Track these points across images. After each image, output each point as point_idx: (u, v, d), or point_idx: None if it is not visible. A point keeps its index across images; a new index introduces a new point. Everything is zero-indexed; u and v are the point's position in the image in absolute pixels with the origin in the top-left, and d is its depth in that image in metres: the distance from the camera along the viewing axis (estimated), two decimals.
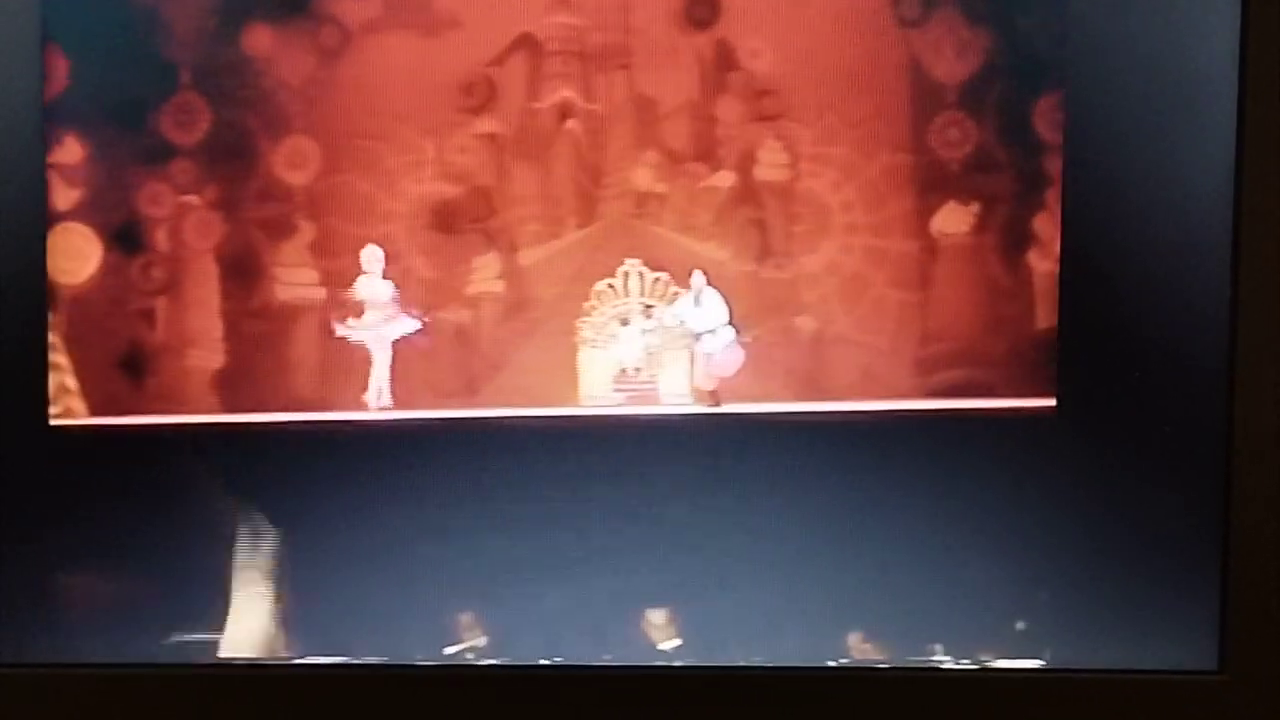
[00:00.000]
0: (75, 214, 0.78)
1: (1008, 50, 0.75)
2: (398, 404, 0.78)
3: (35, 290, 0.78)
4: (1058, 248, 0.75)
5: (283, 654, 0.79)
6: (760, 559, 0.77)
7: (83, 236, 0.78)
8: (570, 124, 0.77)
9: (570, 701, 0.77)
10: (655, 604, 0.78)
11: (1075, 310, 0.75)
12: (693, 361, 0.78)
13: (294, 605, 0.79)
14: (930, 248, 0.76)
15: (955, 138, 0.75)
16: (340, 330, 0.78)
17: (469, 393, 0.78)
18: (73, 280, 0.78)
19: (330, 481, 0.78)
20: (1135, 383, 0.75)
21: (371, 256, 0.78)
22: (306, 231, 0.78)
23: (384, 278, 0.78)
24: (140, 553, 0.79)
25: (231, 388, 0.78)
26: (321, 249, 0.78)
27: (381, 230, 0.78)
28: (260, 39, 0.77)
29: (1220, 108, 0.74)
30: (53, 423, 0.78)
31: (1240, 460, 0.74)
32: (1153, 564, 0.76)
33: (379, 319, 0.78)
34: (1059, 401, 0.76)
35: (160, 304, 0.78)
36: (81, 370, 0.79)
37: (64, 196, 0.78)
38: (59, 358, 0.78)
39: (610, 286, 0.78)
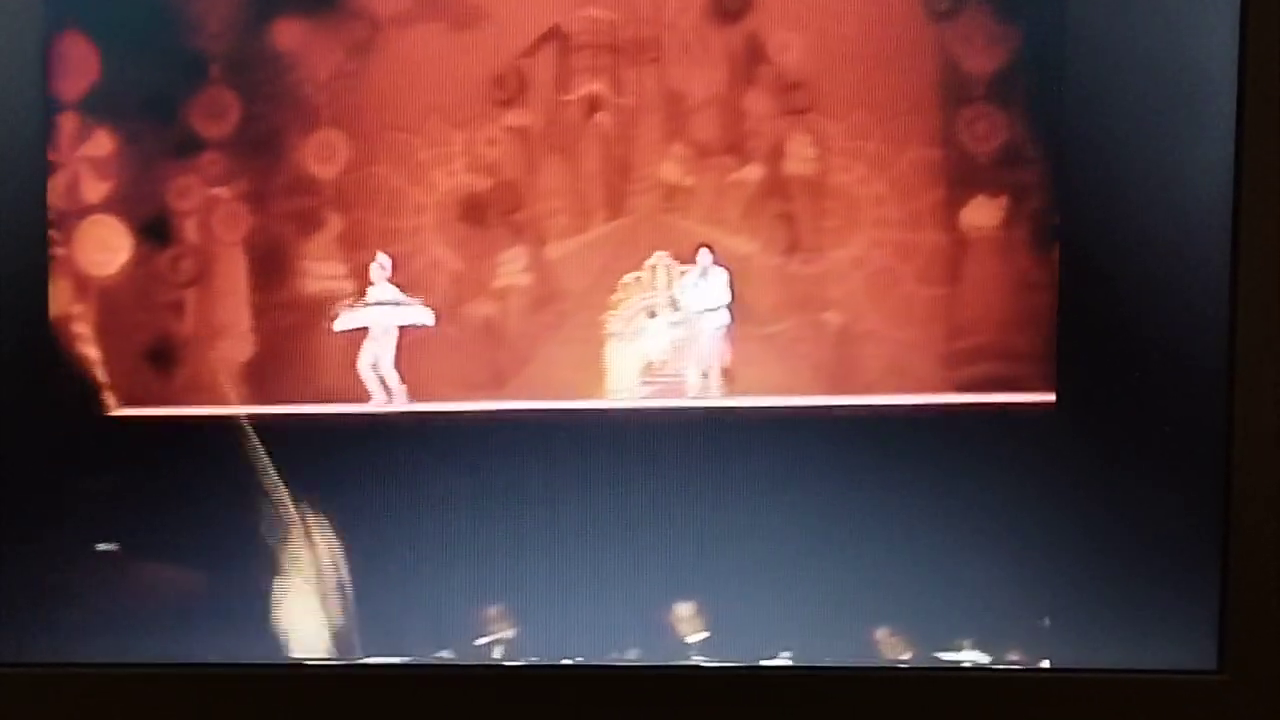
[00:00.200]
0: (105, 206, 0.78)
1: (1037, 43, 0.74)
2: (424, 396, 0.78)
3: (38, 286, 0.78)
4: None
5: (312, 648, 0.79)
6: (787, 552, 0.77)
7: (112, 229, 0.79)
8: (599, 117, 0.77)
9: (595, 700, 0.77)
10: (683, 597, 0.78)
11: (1075, 306, 0.75)
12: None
13: (321, 599, 0.79)
14: (959, 241, 0.76)
15: (984, 131, 0.75)
16: (338, 324, 0.78)
17: (496, 385, 0.78)
18: (103, 272, 0.79)
19: (356, 474, 0.78)
20: (1135, 380, 0.75)
21: (379, 266, 0.78)
22: (335, 224, 0.78)
23: (391, 281, 0.78)
24: (164, 548, 0.79)
25: (259, 379, 0.79)
26: (350, 242, 0.78)
27: (410, 223, 0.78)
28: (290, 32, 0.77)
29: (1218, 105, 0.74)
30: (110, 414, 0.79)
31: (1240, 459, 0.74)
32: (1152, 564, 0.76)
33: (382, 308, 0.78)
34: (1058, 398, 0.76)
35: (189, 296, 0.79)
36: (110, 362, 0.79)
37: (94, 189, 0.78)
38: (89, 349, 0.79)
39: (638, 279, 0.78)
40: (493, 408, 0.78)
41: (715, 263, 0.77)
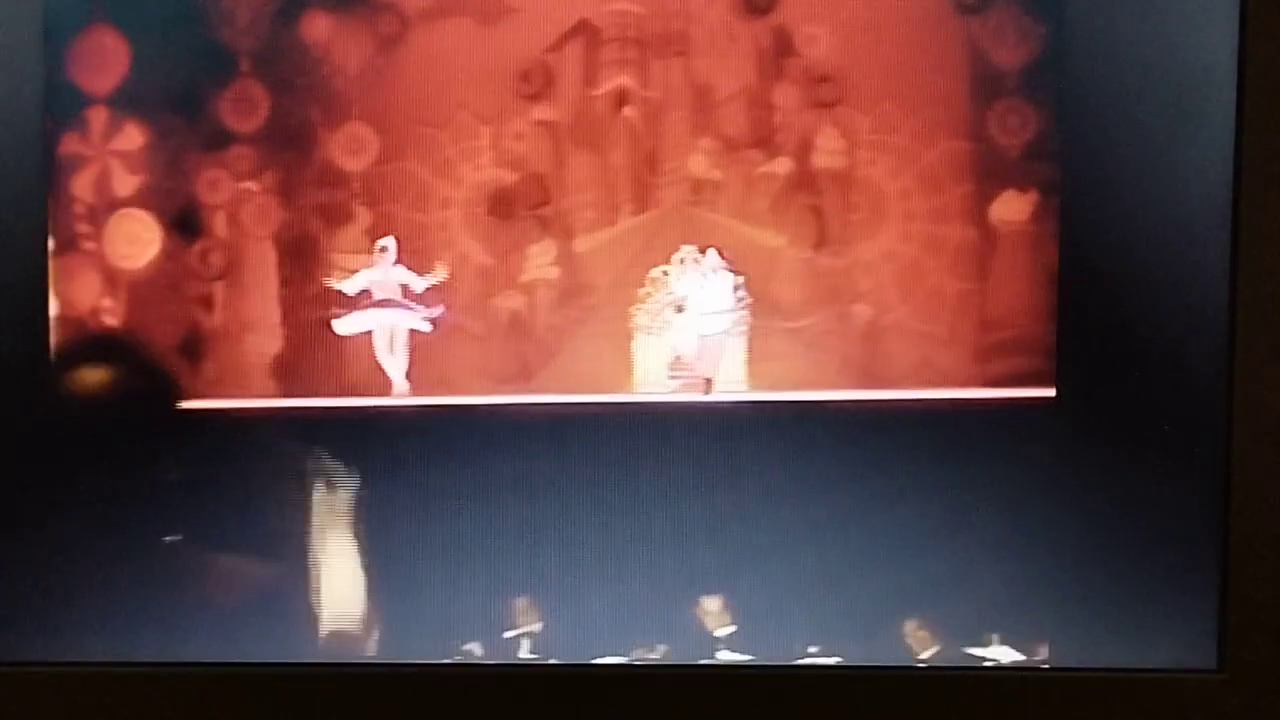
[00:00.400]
0: (135, 200, 0.79)
1: (1070, 35, 0.74)
2: (452, 390, 0.78)
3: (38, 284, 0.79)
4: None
5: (336, 641, 0.79)
6: (813, 546, 0.77)
7: (142, 222, 0.79)
8: (627, 111, 0.77)
9: (622, 697, 0.77)
10: (709, 591, 0.78)
11: (1075, 303, 0.75)
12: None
13: (350, 591, 0.79)
14: (989, 236, 0.76)
15: (1015, 124, 0.75)
16: (339, 325, 0.78)
17: (523, 379, 0.78)
18: (132, 265, 0.79)
19: (383, 467, 0.79)
20: (1135, 377, 0.75)
21: (382, 249, 0.78)
22: (363, 218, 0.78)
23: (396, 264, 0.78)
24: (197, 540, 0.79)
25: (288, 373, 0.79)
26: (378, 235, 0.78)
27: (438, 216, 0.78)
28: (319, 26, 0.77)
29: (1217, 102, 0.73)
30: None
31: (1241, 457, 0.74)
32: (1152, 562, 0.75)
33: (384, 305, 0.78)
34: (1058, 393, 0.75)
35: (218, 289, 0.79)
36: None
37: (124, 183, 0.79)
38: (114, 341, 0.79)
39: (665, 273, 0.78)
40: (520, 401, 0.78)
41: (723, 267, 0.77)
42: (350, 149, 0.78)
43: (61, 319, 0.79)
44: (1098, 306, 0.75)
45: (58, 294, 0.79)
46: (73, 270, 0.79)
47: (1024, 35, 0.75)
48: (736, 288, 0.77)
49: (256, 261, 0.79)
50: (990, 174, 0.75)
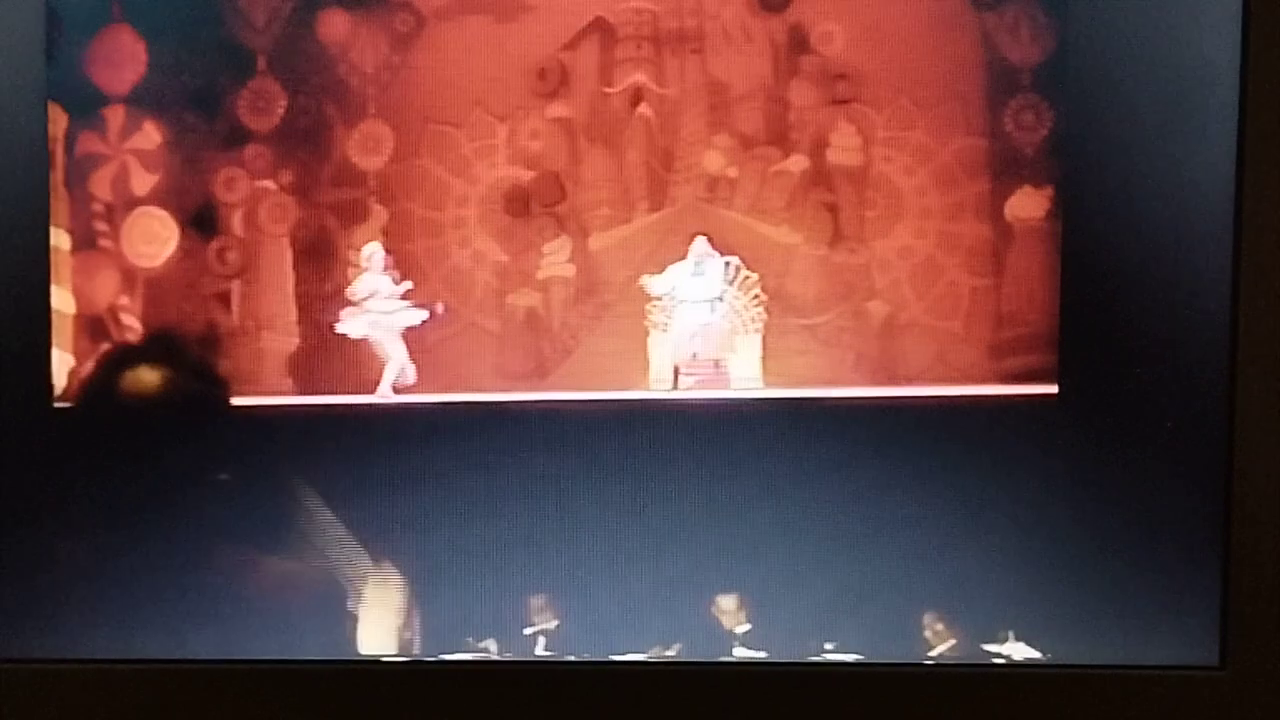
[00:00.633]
0: (152, 198, 0.79)
1: (1086, 31, 0.74)
2: (468, 387, 0.79)
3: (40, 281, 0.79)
4: None
5: (347, 638, 0.79)
6: (828, 543, 0.77)
7: (160, 221, 0.79)
8: (642, 108, 0.77)
9: (639, 694, 0.77)
10: (725, 589, 0.78)
11: (1078, 301, 0.75)
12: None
13: (364, 587, 0.79)
14: (1004, 232, 0.76)
15: (1030, 121, 0.75)
16: (340, 327, 0.78)
17: (539, 376, 0.78)
18: (150, 264, 0.79)
19: (400, 464, 0.79)
20: (1137, 374, 0.75)
21: (372, 253, 0.78)
22: (379, 215, 0.79)
23: (385, 270, 0.78)
24: (199, 538, 0.80)
25: (305, 370, 0.79)
26: (394, 233, 0.79)
27: (453, 214, 0.78)
28: (335, 25, 0.78)
29: (1220, 100, 0.73)
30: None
31: (1242, 455, 0.74)
32: (1154, 560, 0.75)
33: (382, 309, 0.78)
34: (1060, 390, 0.75)
35: (235, 287, 0.79)
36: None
37: (141, 181, 0.79)
38: (135, 340, 0.79)
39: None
40: (536, 398, 0.78)
41: (712, 253, 0.77)
42: (366, 147, 0.78)
43: (79, 317, 0.79)
44: (1100, 304, 0.75)
45: (75, 292, 0.79)
46: (91, 268, 0.79)
47: (1039, 32, 0.75)
48: (729, 270, 0.77)
49: (273, 259, 0.79)
50: (1005, 170, 0.75)
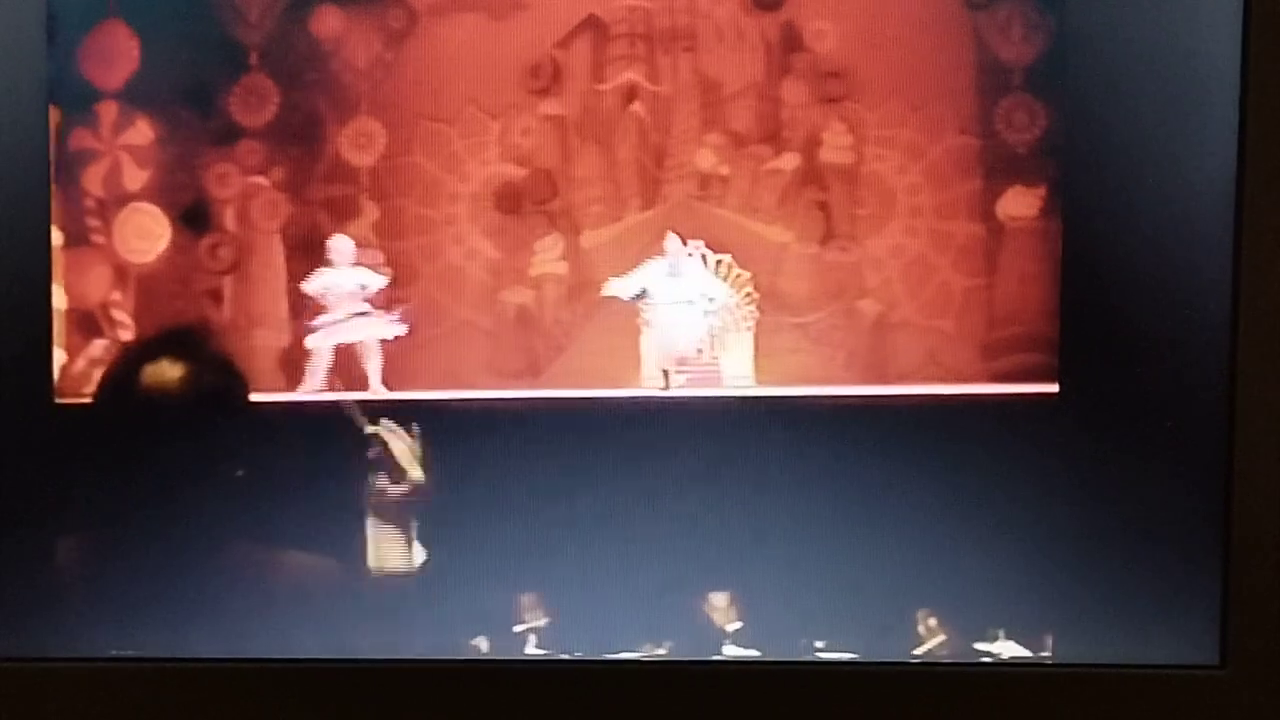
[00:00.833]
0: (144, 194, 0.79)
1: (1078, 31, 0.74)
2: (460, 385, 0.79)
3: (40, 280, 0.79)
4: None
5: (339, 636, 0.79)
6: (820, 541, 0.77)
7: (152, 216, 0.79)
8: (635, 106, 0.77)
9: (629, 693, 0.77)
10: (716, 587, 0.78)
11: (1078, 300, 0.75)
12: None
13: (358, 587, 0.79)
14: (996, 231, 0.76)
15: (1022, 120, 0.75)
16: (311, 341, 0.78)
17: (531, 374, 0.79)
18: (142, 259, 0.79)
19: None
20: (1138, 373, 0.75)
21: (339, 246, 0.78)
22: (371, 212, 0.79)
23: (354, 265, 0.78)
24: (165, 540, 0.79)
25: (296, 367, 0.79)
26: (386, 230, 0.79)
27: (446, 211, 0.78)
28: (328, 21, 0.78)
29: (1220, 99, 0.73)
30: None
31: (1242, 454, 0.74)
32: (1154, 558, 0.75)
33: (347, 313, 0.78)
34: (1061, 389, 0.75)
35: (227, 283, 0.79)
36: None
37: (134, 177, 0.79)
38: (127, 336, 0.79)
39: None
40: (528, 396, 0.78)
41: (689, 251, 0.77)
42: (359, 144, 0.78)
43: (71, 312, 0.79)
44: (1101, 303, 0.75)
45: (67, 288, 0.79)
46: (83, 264, 0.79)
47: (1032, 31, 0.75)
48: (712, 267, 0.77)
49: (265, 256, 0.79)
50: (997, 170, 0.75)
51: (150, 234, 0.79)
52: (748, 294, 0.78)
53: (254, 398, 0.79)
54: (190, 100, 0.78)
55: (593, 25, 0.77)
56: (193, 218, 0.79)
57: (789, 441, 0.77)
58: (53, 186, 0.79)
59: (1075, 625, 0.76)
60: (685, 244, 0.77)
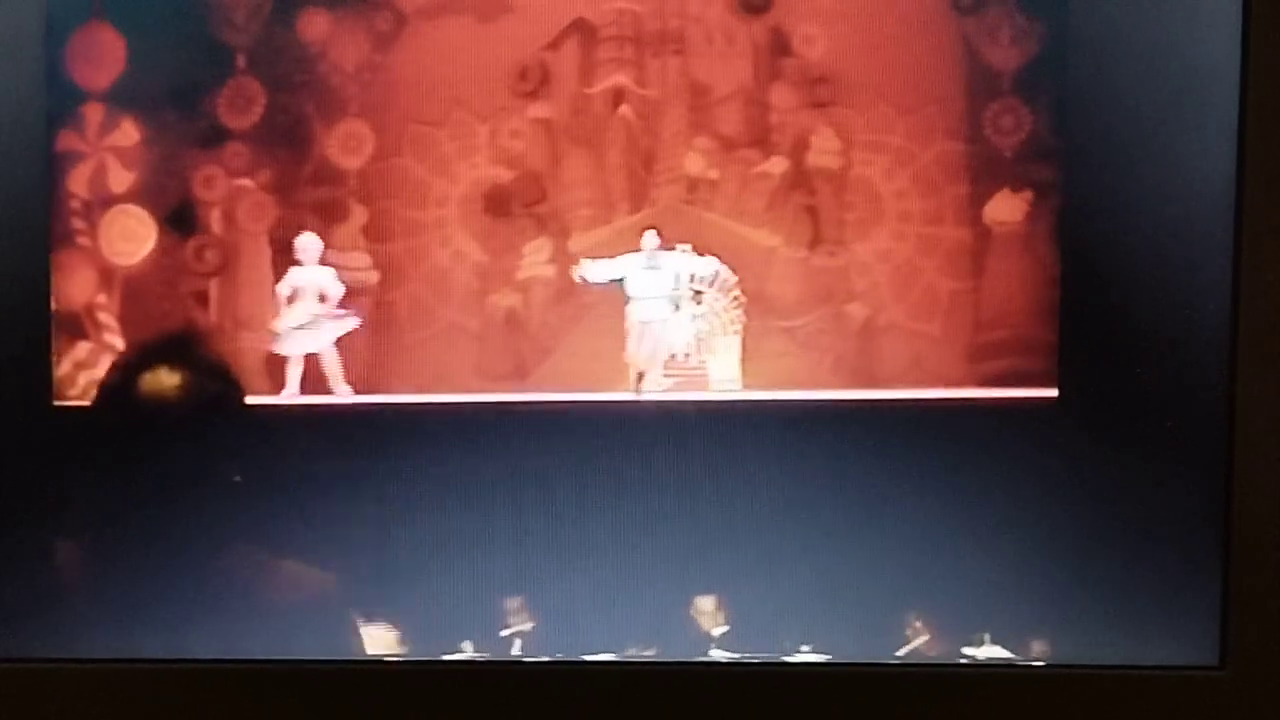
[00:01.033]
0: (130, 196, 0.79)
1: (1065, 36, 0.74)
2: (447, 387, 0.78)
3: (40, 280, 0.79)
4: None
5: (328, 644, 0.79)
6: (807, 545, 0.77)
7: (137, 219, 0.79)
8: (623, 109, 0.77)
9: (615, 695, 0.77)
10: (703, 591, 0.78)
11: (1078, 303, 0.75)
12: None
13: (343, 589, 0.79)
14: (983, 236, 0.76)
15: (1009, 125, 0.75)
16: (276, 347, 0.78)
17: (519, 376, 0.78)
18: (127, 262, 0.79)
19: (380, 465, 0.78)
20: (1137, 375, 0.75)
21: (307, 244, 0.78)
22: (359, 215, 0.78)
23: (322, 264, 0.78)
24: (199, 538, 0.79)
25: (282, 370, 0.79)
26: (374, 233, 0.78)
27: (434, 214, 0.78)
28: (316, 23, 0.78)
29: (1220, 102, 0.73)
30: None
31: (1242, 455, 0.74)
32: (1154, 560, 0.75)
33: (315, 315, 0.78)
34: (1061, 393, 0.75)
35: (213, 286, 0.79)
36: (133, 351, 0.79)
37: (119, 179, 0.79)
38: (113, 338, 0.79)
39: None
40: (515, 399, 0.78)
41: (664, 248, 0.77)
42: (347, 146, 0.78)
43: (57, 314, 0.79)
44: (1100, 307, 0.75)
45: (53, 290, 0.79)
46: (68, 266, 0.79)
47: (1019, 36, 0.75)
48: (692, 264, 0.77)
49: (252, 258, 0.79)
50: (985, 174, 0.76)
51: (136, 236, 0.79)
52: (735, 298, 0.78)
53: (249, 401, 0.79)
54: (177, 102, 0.78)
55: (581, 28, 0.77)
56: (179, 220, 0.79)
57: (776, 445, 0.77)
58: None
59: (1075, 626, 0.76)
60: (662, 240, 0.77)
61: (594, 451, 0.77)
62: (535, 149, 0.78)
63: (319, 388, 0.79)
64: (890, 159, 0.76)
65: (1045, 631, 0.76)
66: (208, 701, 0.78)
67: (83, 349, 0.79)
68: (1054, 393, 0.75)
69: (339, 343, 0.78)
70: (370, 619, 0.79)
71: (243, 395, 0.78)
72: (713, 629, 0.78)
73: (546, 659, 0.78)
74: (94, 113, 0.78)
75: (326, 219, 0.78)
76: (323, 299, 0.78)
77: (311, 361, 0.79)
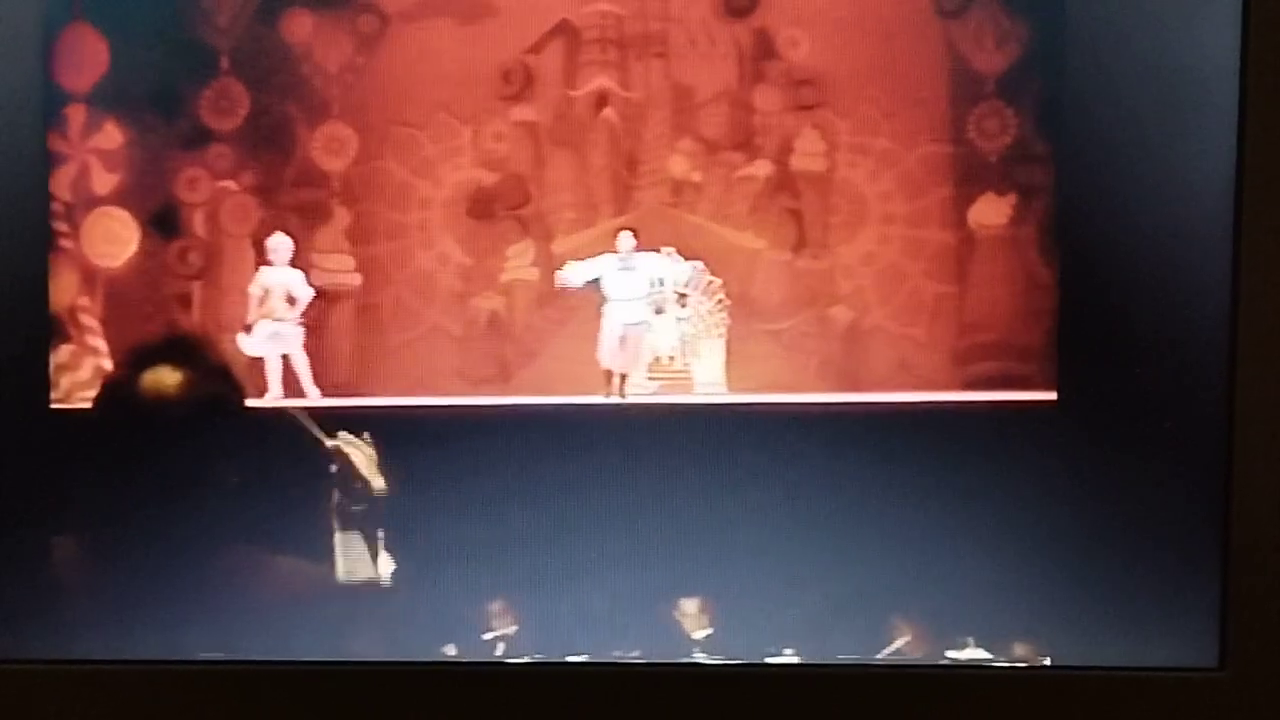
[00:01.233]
0: (113, 198, 0.78)
1: (1048, 40, 0.74)
2: (431, 391, 0.78)
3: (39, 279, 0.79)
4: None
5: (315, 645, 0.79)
6: (791, 548, 0.77)
7: (120, 221, 0.79)
8: (607, 112, 0.77)
9: (599, 697, 0.77)
10: (687, 593, 0.78)
11: (1076, 305, 0.75)
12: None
13: (328, 593, 0.79)
14: (968, 239, 0.76)
15: (994, 128, 0.75)
16: (246, 346, 0.78)
17: (501, 380, 0.78)
18: (111, 264, 0.79)
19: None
20: (1137, 377, 0.75)
21: (278, 245, 0.78)
22: (342, 217, 0.78)
23: (294, 265, 0.78)
24: (198, 538, 0.79)
25: (262, 373, 0.79)
26: (357, 235, 0.78)
27: (417, 217, 0.78)
28: (299, 25, 0.77)
29: (1219, 104, 0.73)
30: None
31: (1241, 457, 0.74)
32: (1154, 561, 0.75)
33: (286, 316, 0.78)
34: (1059, 396, 0.75)
35: (196, 288, 0.79)
36: (117, 353, 0.79)
37: (102, 181, 0.78)
38: (95, 341, 0.79)
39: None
40: (498, 402, 0.78)
41: (640, 249, 0.77)
42: (330, 148, 0.78)
43: None
44: (1099, 309, 0.75)
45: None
46: (51, 268, 0.78)
47: (1004, 39, 0.75)
48: (653, 276, 0.77)
49: (235, 260, 0.79)
50: (969, 177, 0.75)
51: (119, 238, 0.79)
52: (719, 301, 0.77)
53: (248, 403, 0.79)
54: (159, 104, 0.78)
55: (564, 31, 0.77)
56: (162, 222, 0.79)
57: (761, 448, 0.77)
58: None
59: (1076, 627, 0.76)
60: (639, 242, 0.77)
61: (577, 454, 0.77)
62: (519, 152, 0.77)
63: (299, 390, 0.78)
64: (875, 162, 0.76)
65: (1046, 632, 0.76)
66: (203, 702, 0.78)
67: (65, 351, 0.79)
68: (1053, 396, 0.75)
69: (315, 345, 0.78)
70: (355, 622, 0.79)
71: (242, 397, 0.78)
72: (697, 631, 0.78)
73: (525, 660, 0.78)
74: (76, 114, 0.78)
75: (309, 221, 0.78)
76: (291, 301, 0.78)
77: (289, 363, 0.78)
